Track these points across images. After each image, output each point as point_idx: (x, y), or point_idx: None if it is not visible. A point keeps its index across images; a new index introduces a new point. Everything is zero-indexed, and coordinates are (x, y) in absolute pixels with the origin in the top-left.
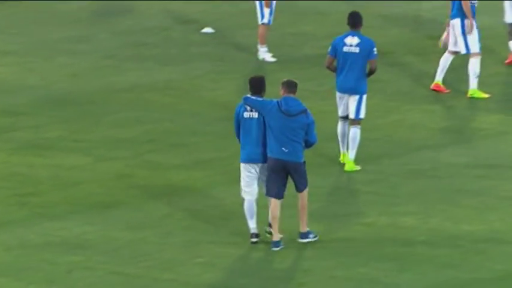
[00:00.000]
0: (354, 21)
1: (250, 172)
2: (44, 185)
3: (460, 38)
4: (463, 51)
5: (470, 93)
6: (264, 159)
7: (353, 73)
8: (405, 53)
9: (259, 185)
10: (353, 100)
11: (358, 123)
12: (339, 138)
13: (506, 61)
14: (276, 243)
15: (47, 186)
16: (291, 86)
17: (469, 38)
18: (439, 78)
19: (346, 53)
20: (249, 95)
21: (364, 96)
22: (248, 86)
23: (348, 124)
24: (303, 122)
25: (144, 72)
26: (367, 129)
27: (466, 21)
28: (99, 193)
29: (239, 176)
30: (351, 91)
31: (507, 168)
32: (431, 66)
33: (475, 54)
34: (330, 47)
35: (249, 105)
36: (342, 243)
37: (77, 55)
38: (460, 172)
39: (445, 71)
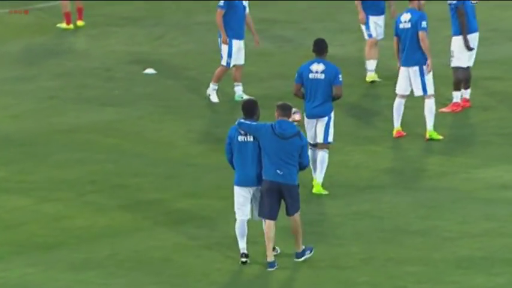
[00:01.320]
0: (320, 48)
1: (243, 194)
2: None
3: (418, 81)
4: (420, 93)
5: (429, 134)
6: (258, 182)
7: (319, 99)
8: (348, 94)
9: (251, 207)
10: (321, 124)
11: (327, 147)
12: (311, 165)
13: (444, 109)
14: (271, 264)
15: None
16: (285, 109)
17: (427, 80)
18: (397, 125)
19: (312, 79)
20: (242, 120)
21: (332, 118)
22: (242, 111)
23: (315, 151)
24: (297, 144)
25: (87, 113)
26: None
27: (425, 67)
28: (41, 234)
29: (181, 217)
30: (318, 116)
31: (449, 209)
32: (374, 108)
33: (431, 95)
34: (296, 75)
35: (243, 130)
36: (284, 283)
37: (19, 96)
38: (403, 213)
39: (401, 116)
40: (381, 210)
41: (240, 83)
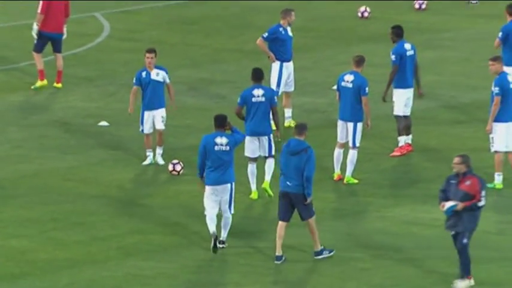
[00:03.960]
0: (258, 76)
1: (214, 194)
2: None
3: (351, 134)
4: (351, 144)
5: (346, 179)
6: (225, 181)
7: (260, 119)
8: (277, 142)
9: (219, 204)
10: (263, 141)
11: (273, 157)
12: (250, 179)
13: (392, 153)
14: (279, 257)
15: None
16: (298, 129)
17: (357, 135)
18: (337, 170)
19: (254, 102)
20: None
21: (271, 135)
22: (214, 123)
23: (255, 165)
24: (304, 158)
25: (48, 160)
26: (243, 209)
27: (359, 125)
28: (8, 266)
29: (131, 251)
30: (259, 134)
31: (363, 243)
32: None
33: (357, 147)
34: (239, 99)
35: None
36: None
37: None
38: (324, 246)
39: (340, 162)
40: (305, 244)
41: (161, 147)
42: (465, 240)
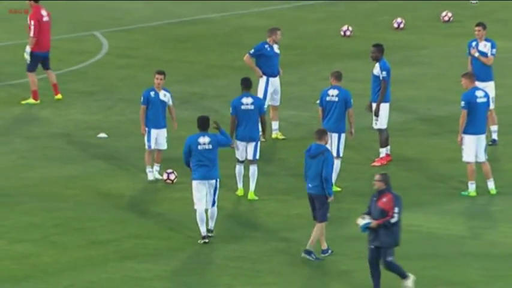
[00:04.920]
0: (247, 84)
1: (202, 188)
2: None
3: (335, 145)
4: (335, 154)
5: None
6: (214, 176)
7: (249, 126)
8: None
9: (206, 199)
10: (251, 146)
11: (256, 163)
12: (237, 178)
13: (374, 163)
14: (324, 251)
15: None
16: (318, 134)
17: (341, 145)
18: None
19: (244, 110)
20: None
21: (259, 142)
22: (197, 124)
23: (242, 166)
24: (321, 160)
25: (50, 169)
26: (231, 214)
27: (343, 135)
28: (13, 268)
29: (128, 254)
30: (248, 139)
31: (346, 247)
32: (284, 163)
33: (340, 157)
34: (231, 109)
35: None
36: None
37: None
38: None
39: None
40: (291, 248)
41: (159, 164)
42: (389, 258)
